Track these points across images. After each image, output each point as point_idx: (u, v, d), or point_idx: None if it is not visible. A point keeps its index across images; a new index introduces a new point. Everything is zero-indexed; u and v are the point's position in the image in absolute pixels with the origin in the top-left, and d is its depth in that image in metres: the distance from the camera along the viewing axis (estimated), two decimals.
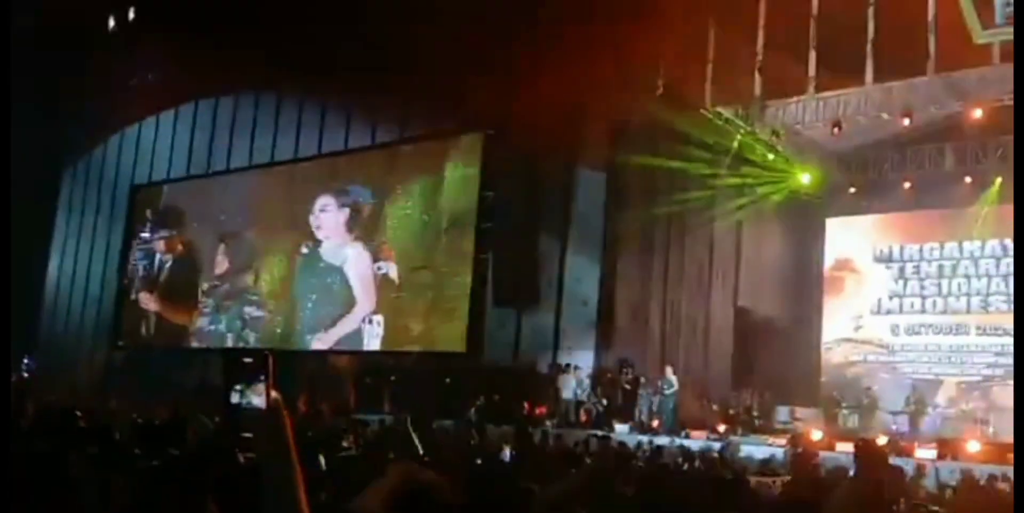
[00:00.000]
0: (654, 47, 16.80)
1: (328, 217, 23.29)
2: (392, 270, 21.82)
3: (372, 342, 21.88)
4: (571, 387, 18.44)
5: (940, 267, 19.62)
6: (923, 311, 19.66)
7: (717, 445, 15.50)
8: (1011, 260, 18.07)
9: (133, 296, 27.67)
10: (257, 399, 2.04)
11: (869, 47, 15.44)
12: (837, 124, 17.38)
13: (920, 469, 11.99)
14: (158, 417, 8.73)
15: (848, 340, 20.32)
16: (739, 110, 18.23)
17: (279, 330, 23.92)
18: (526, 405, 18.26)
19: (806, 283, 21.05)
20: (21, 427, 5.65)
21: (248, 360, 2.07)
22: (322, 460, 4.75)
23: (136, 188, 28.67)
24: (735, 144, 18.66)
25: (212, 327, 25.51)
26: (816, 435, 15.87)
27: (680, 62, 17.19)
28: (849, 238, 20.85)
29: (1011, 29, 13.97)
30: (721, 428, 17.22)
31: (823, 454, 13.02)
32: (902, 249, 20.14)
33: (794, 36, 16.31)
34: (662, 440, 15.44)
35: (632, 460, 10.36)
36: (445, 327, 20.69)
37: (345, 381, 21.55)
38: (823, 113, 17.67)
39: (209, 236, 26.12)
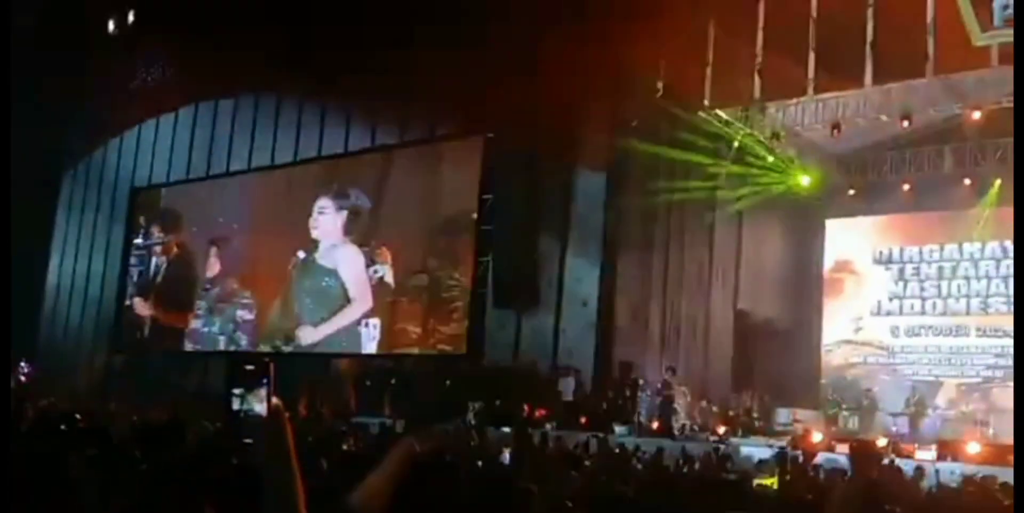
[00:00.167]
0: (653, 49, 16.81)
1: (326, 219, 23.30)
2: (388, 273, 21.84)
3: (369, 345, 21.89)
4: (571, 389, 18.43)
5: (940, 269, 19.63)
6: (923, 313, 19.67)
7: (717, 447, 15.47)
8: (1011, 262, 18.08)
9: (132, 299, 27.69)
10: (258, 405, 2.05)
11: (868, 49, 15.45)
12: (836, 126, 17.40)
13: (920, 470, 11.98)
14: (157, 420, 8.73)
15: (848, 342, 20.34)
16: (738, 112, 18.25)
17: (272, 333, 23.94)
18: (526, 407, 18.24)
19: (806, 285, 21.07)
20: (20, 429, 5.66)
21: (250, 366, 2.08)
22: (324, 463, 4.75)
23: (136, 190, 28.69)
24: (735, 146, 18.67)
25: (205, 329, 25.55)
26: (816, 437, 15.87)
27: (679, 64, 17.20)
28: (849, 240, 20.87)
29: (1010, 31, 13.99)
30: (721, 430, 17.21)
31: (822, 455, 13.07)
32: (902, 251, 20.15)
33: (793, 38, 16.32)
34: (662, 442, 15.42)
35: (631, 462, 10.37)
36: (443, 329, 20.70)
37: (345, 385, 21.55)
38: (822, 115, 17.70)
39: (205, 239, 26.17)
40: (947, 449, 14.84)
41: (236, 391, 2.05)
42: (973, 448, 14.71)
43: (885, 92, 16.59)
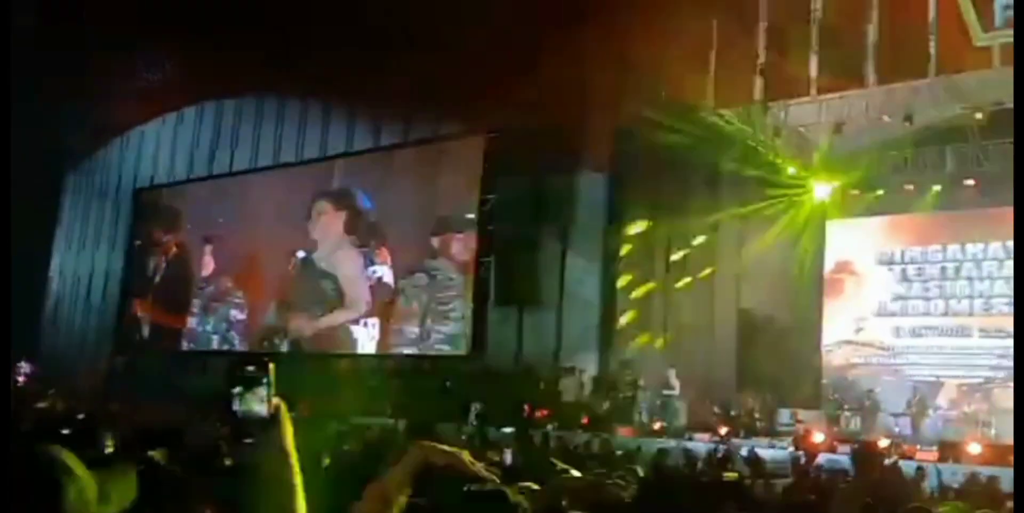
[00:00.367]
0: (656, 49, 16.81)
1: (326, 220, 23.33)
2: (388, 274, 21.85)
3: (367, 345, 21.90)
4: (573, 390, 18.43)
5: (943, 269, 19.60)
6: (926, 313, 19.63)
7: (719, 447, 15.47)
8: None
9: (135, 299, 27.73)
10: (258, 405, 2.05)
11: (870, 49, 15.45)
12: (839, 126, 17.38)
13: (921, 471, 11.97)
14: (158, 420, 8.73)
15: (850, 342, 20.29)
16: (741, 112, 18.24)
17: (265, 333, 23.96)
18: (527, 408, 18.25)
19: (807, 285, 21.03)
20: (20, 430, 5.65)
21: (250, 366, 2.07)
22: (326, 461, 4.75)
23: (139, 191, 28.72)
24: (736, 146, 18.66)
25: (200, 328, 25.62)
26: (818, 437, 15.86)
27: (682, 64, 17.20)
28: (850, 240, 20.83)
29: (1011, 32, 13.98)
30: (723, 430, 17.20)
31: (824, 456, 13.07)
32: (904, 252, 20.12)
33: (796, 38, 16.33)
34: (664, 442, 15.42)
35: (633, 463, 10.34)
36: (441, 329, 20.73)
37: (346, 385, 21.56)
38: (825, 115, 17.68)
39: (202, 239, 26.24)
40: (949, 450, 14.83)
41: (236, 391, 2.05)
42: (975, 449, 14.70)
43: (887, 92, 16.57)
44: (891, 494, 6.34)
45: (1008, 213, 16.70)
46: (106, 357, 27.56)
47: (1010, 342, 17.67)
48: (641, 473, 6.48)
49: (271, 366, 2.09)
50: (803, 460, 12.91)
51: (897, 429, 17.47)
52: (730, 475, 9.91)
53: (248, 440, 2.08)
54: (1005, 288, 18.60)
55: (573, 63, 16.56)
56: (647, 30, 16.11)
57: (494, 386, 19.06)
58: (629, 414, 18.08)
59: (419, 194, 21.90)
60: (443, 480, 2.44)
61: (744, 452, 13.79)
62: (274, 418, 2.07)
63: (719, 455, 13.53)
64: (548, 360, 19.67)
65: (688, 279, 20.17)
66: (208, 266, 25.84)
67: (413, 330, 21.27)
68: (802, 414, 18.41)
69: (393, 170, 22.75)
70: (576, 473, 4.87)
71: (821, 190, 19.96)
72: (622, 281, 19.86)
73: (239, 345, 24.39)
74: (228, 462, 3.86)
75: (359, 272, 22.33)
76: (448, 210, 21.42)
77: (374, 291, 22.03)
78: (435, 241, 21.36)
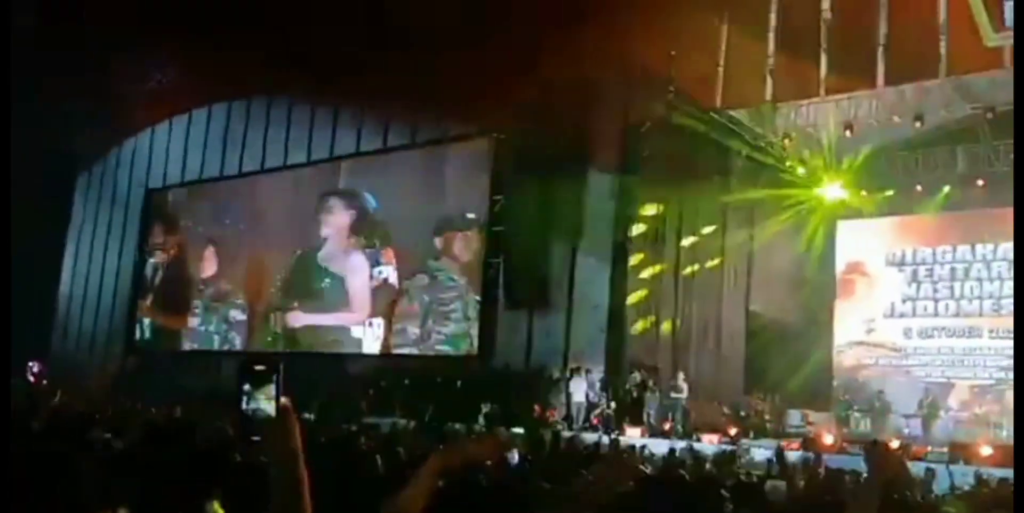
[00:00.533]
0: (665, 50, 16.80)
1: (333, 220, 23.38)
2: (392, 274, 21.87)
3: (372, 345, 21.92)
4: (582, 390, 18.41)
5: (953, 270, 19.55)
6: (936, 314, 19.58)
7: (729, 448, 15.44)
8: None
9: (145, 300, 27.82)
10: (267, 404, 2.06)
11: (881, 50, 15.42)
12: (849, 127, 17.35)
13: (931, 473, 11.94)
14: (168, 419, 8.77)
15: (860, 343, 20.25)
16: (751, 112, 18.21)
17: (266, 332, 24.03)
18: (537, 408, 18.25)
19: (818, 286, 20.98)
20: (33, 428, 5.68)
21: (259, 366, 2.09)
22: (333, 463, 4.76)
23: (150, 192, 28.81)
24: (746, 146, 18.63)
25: (202, 328, 25.71)
26: (828, 439, 15.82)
27: (691, 64, 17.19)
28: (861, 241, 20.78)
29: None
30: (733, 431, 17.17)
31: (835, 457, 13.02)
32: (915, 252, 20.07)
33: (806, 39, 16.30)
34: (674, 444, 15.39)
35: (642, 463, 10.34)
36: (443, 330, 20.75)
37: (355, 385, 21.58)
38: (835, 115, 17.65)
39: (208, 240, 26.33)
40: (959, 451, 14.77)
41: (245, 389, 2.07)
42: (986, 450, 14.64)
43: (898, 93, 16.53)
44: (903, 493, 6.33)
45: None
46: (118, 356, 27.68)
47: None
48: (650, 473, 6.48)
49: (280, 366, 2.11)
50: (814, 461, 12.86)
51: (907, 430, 17.42)
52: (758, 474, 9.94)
53: (255, 438, 2.09)
54: None
55: (583, 63, 16.55)
56: (657, 30, 16.10)
57: (504, 386, 19.06)
58: (638, 415, 18.06)
59: (426, 195, 21.91)
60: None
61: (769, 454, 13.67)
62: (283, 417, 2.08)
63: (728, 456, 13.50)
64: (557, 360, 19.65)
65: (699, 279, 20.12)
66: (210, 267, 25.96)
67: (414, 330, 21.30)
68: (813, 415, 18.38)
69: (400, 171, 22.76)
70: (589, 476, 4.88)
71: (831, 191, 19.90)
72: (631, 281, 19.82)
73: (239, 345, 24.44)
74: (236, 460, 3.87)
75: (365, 278, 22.36)
76: (454, 211, 21.44)
77: (379, 291, 22.05)
78: (438, 241, 21.38)
